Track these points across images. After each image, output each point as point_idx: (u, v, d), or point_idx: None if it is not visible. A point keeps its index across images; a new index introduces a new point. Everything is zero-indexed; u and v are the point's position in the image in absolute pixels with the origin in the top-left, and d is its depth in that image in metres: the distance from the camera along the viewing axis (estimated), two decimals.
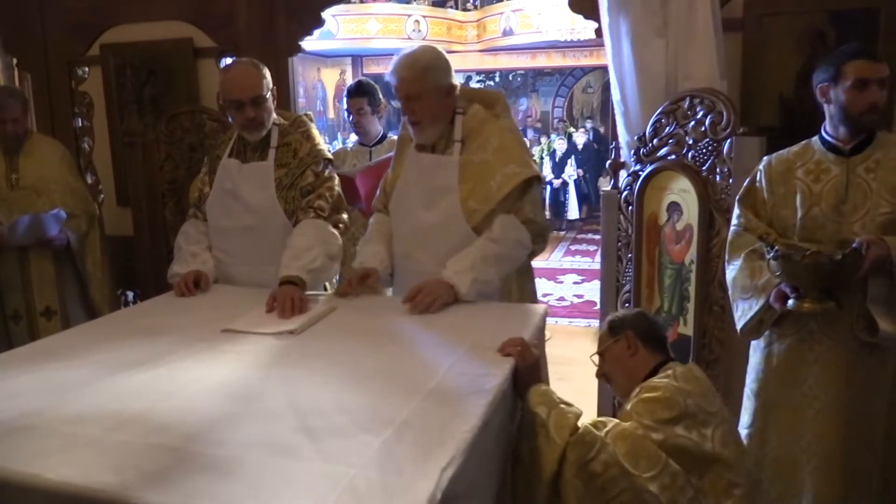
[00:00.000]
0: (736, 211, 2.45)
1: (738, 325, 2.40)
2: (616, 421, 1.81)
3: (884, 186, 2.20)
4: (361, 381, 1.65)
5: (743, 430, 2.46)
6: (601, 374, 2.12)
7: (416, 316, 2.15)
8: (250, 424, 1.44)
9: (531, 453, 1.75)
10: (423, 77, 2.37)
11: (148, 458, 1.30)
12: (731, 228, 2.46)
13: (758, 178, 2.40)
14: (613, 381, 2.09)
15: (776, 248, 2.17)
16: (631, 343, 1.99)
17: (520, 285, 2.54)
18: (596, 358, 2.10)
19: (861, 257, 2.10)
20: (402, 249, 2.53)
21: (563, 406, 1.77)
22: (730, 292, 2.44)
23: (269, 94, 2.59)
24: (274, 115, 2.67)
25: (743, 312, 2.37)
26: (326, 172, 2.70)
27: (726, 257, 2.45)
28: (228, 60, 3.94)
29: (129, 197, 3.85)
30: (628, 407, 1.86)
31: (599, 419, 1.86)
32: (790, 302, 2.21)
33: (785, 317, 2.31)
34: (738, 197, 2.45)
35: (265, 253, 2.56)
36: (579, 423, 1.76)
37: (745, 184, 2.44)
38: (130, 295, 4.16)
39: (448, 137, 2.46)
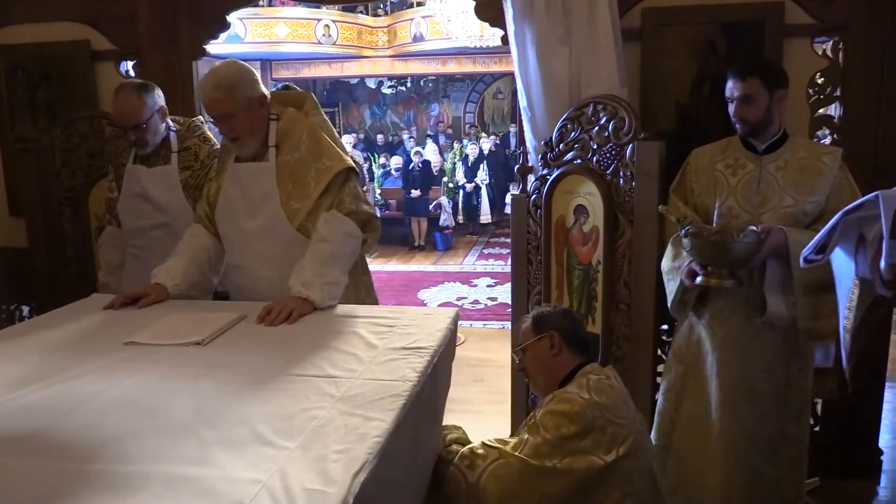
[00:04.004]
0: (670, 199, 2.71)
1: (669, 305, 2.67)
2: (498, 452, 1.88)
3: (789, 183, 2.49)
4: (271, 390, 1.63)
5: (662, 395, 2.77)
6: (521, 370, 2.16)
7: (326, 323, 2.14)
8: (156, 439, 1.39)
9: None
10: (233, 94, 2.34)
11: (45, 479, 1.25)
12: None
13: (687, 168, 2.69)
14: (532, 379, 2.13)
15: (688, 227, 2.42)
16: (555, 343, 2.04)
17: (355, 281, 2.52)
18: (517, 352, 2.13)
19: (761, 242, 2.37)
20: (233, 260, 2.54)
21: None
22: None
23: (153, 117, 2.83)
24: (169, 122, 2.95)
25: (669, 292, 2.66)
26: None
27: None
28: (129, 64, 3.82)
29: (23, 206, 3.66)
30: (538, 415, 1.90)
31: (479, 451, 1.92)
32: (698, 279, 2.46)
33: (704, 296, 2.58)
34: (671, 187, 2.74)
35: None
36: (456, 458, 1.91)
37: (677, 175, 2.74)
38: (26, 309, 3.96)
39: (263, 144, 2.47)
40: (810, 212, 2.48)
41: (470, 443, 2.02)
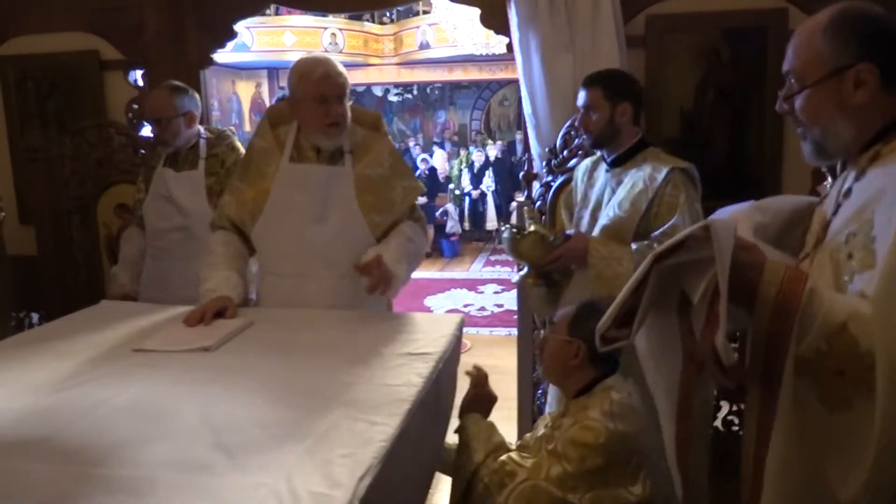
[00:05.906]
0: None
1: None
2: (528, 469, 1.84)
3: (617, 198, 2.40)
4: (278, 395, 1.65)
5: None
6: (538, 349, 2.12)
7: (333, 329, 2.15)
8: (164, 443, 1.41)
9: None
10: (347, 77, 2.41)
11: (54, 483, 1.26)
12: None
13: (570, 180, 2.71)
14: (546, 366, 2.06)
15: (505, 227, 2.44)
16: (579, 355, 1.94)
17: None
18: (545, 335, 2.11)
19: (550, 244, 2.35)
20: (286, 269, 2.41)
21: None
22: None
23: (176, 118, 2.95)
24: (202, 130, 3.09)
25: None
26: None
27: None
28: (138, 73, 3.86)
29: (33, 215, 3.69)
30: (559, 443, 1.82)
31: (508, 467, 1.87)
32: (515, 277, 2.52)
33: None
34: (562, 198, 2.80)
35: (196, 250, 2.73)
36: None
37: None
38: (35, 317, 3.98)
39: (338, 149, 2.45)
40: (627, 228, 2.33)
41: (504, 446, 2.00)
